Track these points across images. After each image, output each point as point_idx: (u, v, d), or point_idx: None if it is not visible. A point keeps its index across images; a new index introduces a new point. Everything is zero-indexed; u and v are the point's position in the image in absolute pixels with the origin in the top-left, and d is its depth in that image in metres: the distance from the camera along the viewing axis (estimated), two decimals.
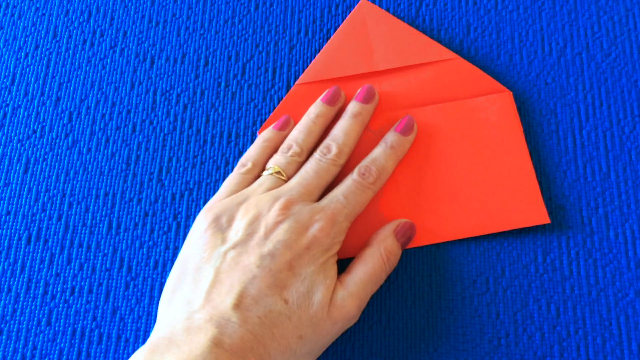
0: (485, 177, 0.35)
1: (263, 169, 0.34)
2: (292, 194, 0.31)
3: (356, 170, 0.32)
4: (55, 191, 0.36)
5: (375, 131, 0.36)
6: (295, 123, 0.36)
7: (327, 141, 0.33)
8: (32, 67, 0.39)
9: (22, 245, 0.35)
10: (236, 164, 0.36)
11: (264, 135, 0.35)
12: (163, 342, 0.25)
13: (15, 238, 0.35)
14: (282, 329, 0.27)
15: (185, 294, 0.28)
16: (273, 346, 0.26)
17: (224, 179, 0.36)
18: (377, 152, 0.33)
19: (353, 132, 0.34)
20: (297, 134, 0.34)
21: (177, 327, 0.26)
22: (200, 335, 0.25)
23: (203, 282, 0.28)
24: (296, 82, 0.37)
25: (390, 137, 0.34)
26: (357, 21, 0.38)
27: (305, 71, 0.37)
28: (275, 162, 0.33)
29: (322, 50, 0.37)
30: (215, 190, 0.36)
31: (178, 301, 0.28)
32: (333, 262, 0.30)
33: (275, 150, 0.34)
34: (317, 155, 0.33)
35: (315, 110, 0.35)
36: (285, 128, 0.35)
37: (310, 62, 0.38)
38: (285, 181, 0.32)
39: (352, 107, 0.34)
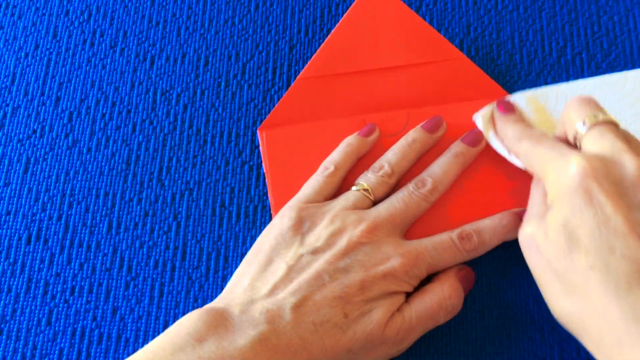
0: (483, 179, 0.35)
1: (345, 174, 0.34)
2: (378, 220, 0.30)
3: (456, 233, 0.31)
4: (55, 191, 0.36)
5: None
6: (296, 121, 0.36)
7: (424, 175, 0.33)
8: (32, 67, 0.39)
9: (22, 245, 0.35)
10: (236, 164, 0.36)
11: (348, 140, 0.34)
12: (216, 314, 0.26)
13: (15, 238, 0.35)
14: (334, 340, 0.27)
15: (253, 278, 0.29)
16: (319, 356, 0.27)
17: (224, 179, 0.36)
18: (439, 161, 0.33)
19: (451, 172, 0.33)
20: (391, 155, 0.33)
21: (235, 303, 0.27)
22: (249, 327, 0.26)
23: (273, 274, 0.28)
24: (299, 76, 0.36)
25: (457, 146, 0.34)
26: (364, 10, 0.37)
27: (308, 64, 0.36)
28: (365, 180, 0.33)
29: (325, 42, 0.36)
30: (215, 190, 0.36)
31: (244, 283, 0.29)
32: (401, 297, 0.30)
33: (358, 156, 0.34)
34: (410, 186, 0.32)
35: (413, 134, 0.34)
36: (370, 135, 0.35)
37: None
38: (372, 200, 0.32)
39: (456, 146, 0.34)
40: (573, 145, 0.29)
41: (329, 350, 0.27)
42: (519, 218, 0.31)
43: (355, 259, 0.29)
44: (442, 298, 0.30)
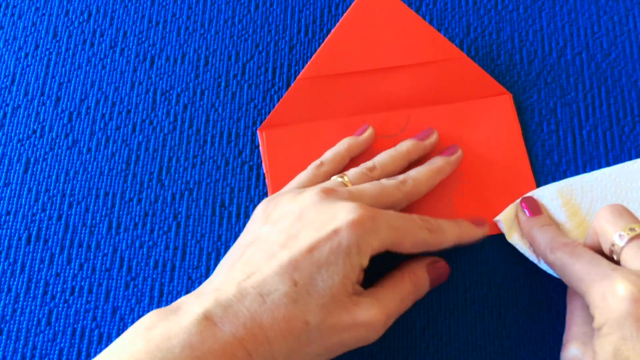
0: (483, 179, 0.35)
1: (333, 170, 0.33)
2: (340, 188, 0.30)
3: (418, 216, 0.30)
4: (55, 191, 0.36)
5: (376, 130, 0.36)
6: (296, 121, 0.36)
7: (401, 175, 0.32)
8: (32, 67, 0.39)
9: (22, 245, 0.35)
10: (236, 164, 0.36)
11: (343, 140, 0.35)
12: (171, 307, 0.26)
13: (15, 238, 0.35)
14: (284, 310, 0.25)
15: (217, 273, 0.29)
16: (273, 328, 0.25)
17: (224, 179, 0.36)
18: (417, 169, 0.33)
19: (429, 179, 0.33)
20: (380, 156, 0.33)
21: (194, 293, 0.27)
22: (197, 306, 0.25)
23: (230, 259, 0.29)
24: (299, 76, 0.36)
25: (435, 158, 0.34)
26: (364, 10, 0.37)
27: (308, 64, 0.36)
28: (347, 171, 0.32)
29: (325, 41, 0.36)
30: (215, 190, 0.36)
31: (209, 280, 0.29)
32: (358, 265, 0.27)
33: (350, 154, 0.34)
34: (384, 179, 0.32)
35: (405, 142, 0.34)
36: (363, 133, 0.35)
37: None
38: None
39: (436, 159, 0.34)
40: (609, 257, 0.28)
41: (281, 322, 0.25)
42: (447, 163, 0.33)
43: (306, 220, 0.28)
44: (409, 284, 0.29)
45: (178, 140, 0.37)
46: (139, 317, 0.33)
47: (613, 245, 0.27)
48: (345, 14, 0.37)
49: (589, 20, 0.39)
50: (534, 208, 0.32)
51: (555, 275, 0.30)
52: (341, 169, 0.34)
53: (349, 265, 0.27)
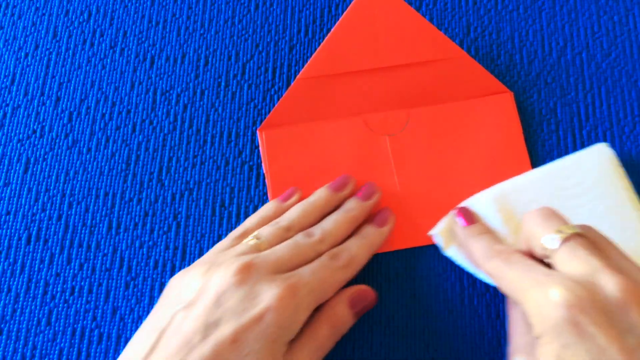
0: (484, 178, 0.35)
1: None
2: (257, 260, 0.28)
3: (326, 254, 0.30)
4: (55, 191, 0.36)
5: (376, 132, 0.36)
6: (296, 121, 0.36)
7: (313, 228, 0.31)
8: (32, 67, 0.39)
9: (22, 245, 0.35)
10: (236, 164, 0.36)
11: (268, 204, 0.33)
12: None
13: (15, 238, 0.35)
14: None
15: (128, 354, 0.26)
16: None
17: (224, 179, 0.36)
18: (351, 241, 0.31)
19: (342, 226, 0.31)
20: (292, 212, 0.32)
21: None
22: None
23: (142, 345, 0.26)
24: (298, 76, 0.36)
25: (366, 229, 0.32)
26: (363, 8, 0.37)
27: (308, 64, 0.36)
28: (259, 231, 0.31)
29: (325, 41, 0.36)
30: (215, 190, 0.36)
31: None
32: (284, 342, 0.26)
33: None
34: (297, 236, 0.30)
35: (318, 193, 0.33)
36: (288, 199, 0.33)
37: None
38: (263, 250, 0.30)
39: (349, 203, 0.33)
40: (543, 261, 0.27)
41: None
42: (378, 233, 0.32)
43: (226, 306, 0.26)
44: (330, 334, 0.28)
45: (178, 140, 0.37)
46: (139, 317, 0.33)
47: (544, 249, 0.26)
48: (344, 13, 0.37)
49: (589, 20, 0.39)
50: (469, 217, 0.31)
51: (494, 284, 0.29)
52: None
53: (276, 349, 0.26)
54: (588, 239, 0.26)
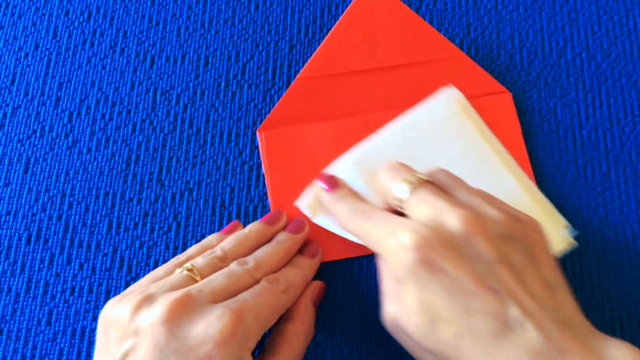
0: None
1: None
2: (192, 291, 0.26)
3: (264, 279, 0.29)
4: (55, 191, 0.36)
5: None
6: (295, 121, 0.36)
7: (247, 257, 0.31)
8: (32, 67, 0.39)
9: (22, 245, 0.35)
10: (236, 164, 0.36)
11: (211, 236, 0.33)
12: None
13: (15, 238, 0.35)
14: None
15: None
16: None
17: (224, 179, 0.36)
18: (286, 269, 0.31)
19: (275, 256, 0.31)
20: (226, 242, 0.31)
21: None
22: None
23: None
24: (297, 76, 0.36)
25: (299, 259, 0.32)
26: (362, 9, 0.37)
27: (307, 64, 0.36)
28: (193, 261, 0.30)
29: (324, 41, 0.36)
30: (215, 190, 0.36)
31: None
32: None
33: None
34: (232, 264, 0.30)
35: (251, 226, 0.33)
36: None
37: None
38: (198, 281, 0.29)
39: (280, 235, 0.33)
40: (399, 213, 0.28)
41: None
42: (310, 264, 0.32)
43: (167, 351, 0.24)
44: (303, 337, 0.29)
45: (178, 140, 0.37)
46: None
47: (396, 200, 0.28)
48: (343, 14, 0.37)
49: (589, 20, 0.39)
50: (332, 182, 0.32)
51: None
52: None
53: None
54: (434, 183, 0.28)
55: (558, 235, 0.33)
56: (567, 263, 0.33)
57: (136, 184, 0.36)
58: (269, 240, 0.33)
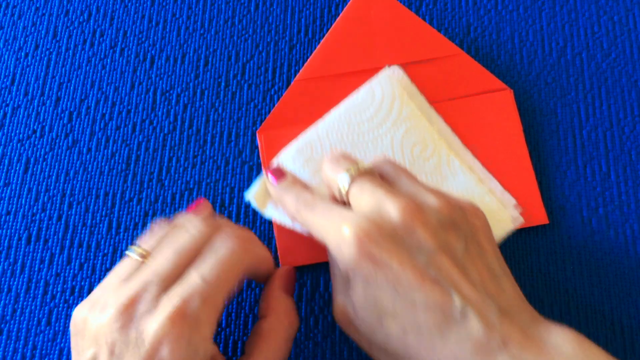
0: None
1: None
2: (138, 288, 0.25)
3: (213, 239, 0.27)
4: (55, 191, 0.36)
5: None
6: (295, 123, 0.36)
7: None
8: (32, 67, 0.39)
9: (22, 245, 0.35)
10: (236, 164, 0.36)
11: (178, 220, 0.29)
12: None
13: (15, 238, 0.35)
14: None
15: None
16: None
17: (224, 179, 0.36)
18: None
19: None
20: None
21: None
22: None
23: None
24: (296, 78, 0.36)
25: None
26: (359, 10, 0.37)
27: (305, 66, 0.36)
28: (142, 242, 0.28)
29: (322, 43, 0.37)
30: (215, 190, 0.36)
31: None
32: (206, 357, 0.25)
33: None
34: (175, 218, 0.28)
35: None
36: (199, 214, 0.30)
37: None
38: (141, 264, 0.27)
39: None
40: (343, 203, 0.28)
41: None
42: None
43: (121, 351, 0.24)
44: (285, 332, 0.27)
45: (178, 140, 0.37)
46: None
47: (339, 192, 0.28)
48: (340, 15, 0.37)
49: (589, 20, 0.39)
50: (278, 174, 0.31)
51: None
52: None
53: None
54: (374, 173, 0.28)
55: (507, 214, 0.33)
56: (567, 263, 0.33)
57: (136, 184, 0.36)
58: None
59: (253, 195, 0.33)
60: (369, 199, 0.26)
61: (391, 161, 0.29)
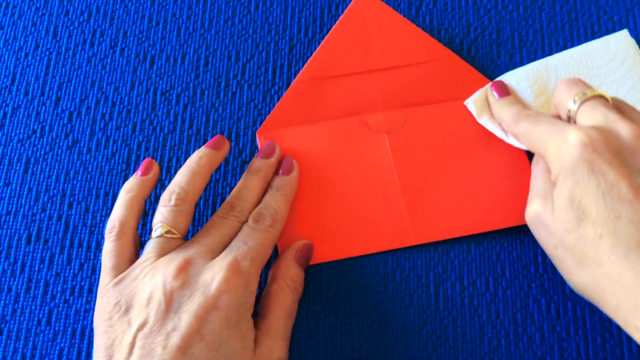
0: (482, 175, 0.35)
1: (135, 225, 0.31)
2: (189, 253, 0.28)
3: (250, 217, 0.31)
4: (55, 191, 0.36)
5: (375, 130, 0.36)
6: (294, 123, 0.36)
7: (228, 200, 0.31)
8: (32, 67, 0.39)
9: (22, 245, 0.35)
10: (236, 164, 0.36)
11: (126, 186, 0.31)
12: None
13: (15, 238, 0.35)
14: None
15: None
16: None
17: (223, 179, 0.36)
18: (267, 197, 0.32)
19: (253, 191, 0.32)
20: (180, 177, 0.31)
21: None
22: None
23: None
24: (295, 79, 0.36)
25: (276, 180, 0.33)
26: (356, 16, 0.37)
27: (304, 68, 0.37)
28: (162, 219, 0.29)
29: (320, 46, 0.37)
30: (215, 190, 0.36)
31: None
32: (249, 317, 0.28)
33: (143, 200, 0.31)
34: (216, 216, 0.31)
35: (198, 153, 0.32)
36: (149, 172, 0.32)
37: None
38: (180, 237, 0.30)
39: (255, 163, 0.33)
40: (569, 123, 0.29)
41: None
42: (286, 174, 0.33)
43: (179, 310, 0.26)
44: (290, 295, 0.30)
45: (178, 140, 0.37)
46: None
47: (569, 111, 0.29)
48: (339, 19, 0.37)
49: (589, 20, 0.39)
50: (503, 90, 0.34)
51: (523, 147, 0.32)
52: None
53: (243, 328, 0.27)
54: (607, 99, 0.29)
55: None
56: None
57: None
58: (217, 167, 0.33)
59: (473, 100, 0.35)
60: (600, 117, 0.27)
61: (624, 100, 0.30)
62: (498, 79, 0.35)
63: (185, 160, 0.36)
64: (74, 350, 0.33)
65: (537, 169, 0.30)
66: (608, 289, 0.25)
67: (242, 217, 0.31)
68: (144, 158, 0.36)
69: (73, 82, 0.38)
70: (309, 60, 0.37)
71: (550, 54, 0.38)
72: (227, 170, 0.36)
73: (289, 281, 0.30)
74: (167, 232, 0.29)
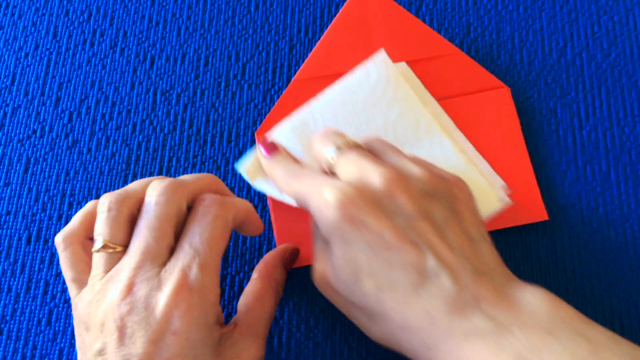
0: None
1: (82, 234, 0.28)
2: (131, 269, 0.25)
3: (194, 204, 0.27)
4: (55, 191, 0.36)
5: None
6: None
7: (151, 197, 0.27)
8: (32, 67, 0.39)
9: (22, 245, 0.35)
10: (236, 164, 0.36)
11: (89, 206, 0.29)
12: None
13: (15, 238, 0.35)
14: None
15: None
16: None
17: (224, 179, 0.36)
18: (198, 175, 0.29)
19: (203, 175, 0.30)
20: (106, 194, 0.28)
21: None
22: None
23: None
24: (294, 78, 0.36)
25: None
26: (356, 10, 0.37)
27: (303, 66, 0.36)
28: (99, 230, 0.26)
29: (319, 43, 0.37)
30: None
31: None
32: (218, 327, 0.26)
33: (93, 207, 0.29)
34: (145, 202, 0.27)
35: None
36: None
37: None
38: (121, 250, 0.26)
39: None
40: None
41: None
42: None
43: (134, 337, 0.24)
44: (275, 297, 0.30)
45: (178, 140, 0.37)
46: None
47: (328, 164, 0.29)
48: (337, 15, 0.37)
49: (589, 20, 0.39)
50: (271, 147, 0.32)
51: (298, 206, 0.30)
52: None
53: (209, 340, 0.25)
54: (362, 147, 0.29)
55: (494, 194, 0.33)
56: (567, 263, 0.33)
57: None
58: None
59: (245, 167, 0.33)
60: (354, 169, 0.27)
61: (382, 140, 0.30)
62: (267, 134, 0.34)
63: (184, 159, 0.36)
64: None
65: (314, 229, 0.29)
66: (401, 337, 0.25)
67: (176, 197, 0.27)
68: (144, 158, 0.36)
69: (73, 82, 0.38)
70: (308, 58, 0.37)
71: (550, 54, 0.38)
72: (227, 171, 0.36)
73: (274, 283, 0.30)
74: (104, 246, 0.26)
